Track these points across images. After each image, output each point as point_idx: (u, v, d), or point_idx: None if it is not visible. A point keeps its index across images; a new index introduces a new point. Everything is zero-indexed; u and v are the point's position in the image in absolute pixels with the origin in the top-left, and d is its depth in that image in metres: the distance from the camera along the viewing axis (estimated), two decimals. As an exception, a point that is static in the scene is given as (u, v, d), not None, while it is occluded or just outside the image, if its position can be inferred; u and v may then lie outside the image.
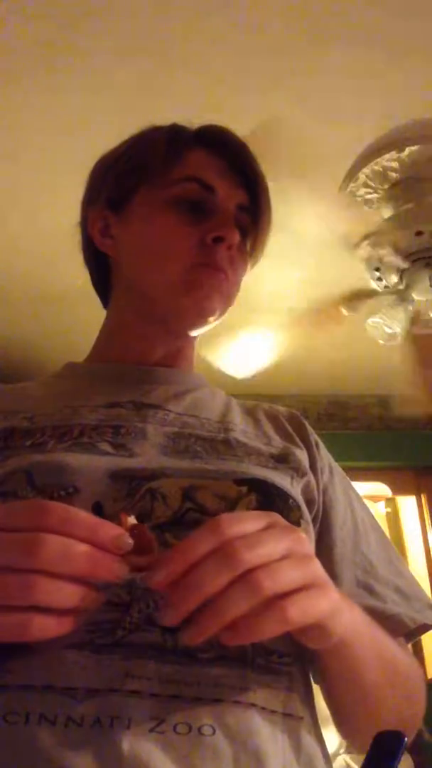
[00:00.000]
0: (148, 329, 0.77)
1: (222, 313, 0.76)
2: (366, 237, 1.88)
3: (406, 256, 1.89)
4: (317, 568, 0.46)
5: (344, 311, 2.10)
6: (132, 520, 0.45)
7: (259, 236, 0.78)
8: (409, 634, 0.66)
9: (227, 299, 0.75)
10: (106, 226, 0.78)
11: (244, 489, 0.58)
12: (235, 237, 0.72)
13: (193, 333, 0.78)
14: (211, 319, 0.74)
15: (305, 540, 0.47)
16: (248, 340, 2.16)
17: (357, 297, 2.09)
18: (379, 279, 2.00)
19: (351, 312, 2.09)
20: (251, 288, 2.16)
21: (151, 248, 0.74)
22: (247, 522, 0.44)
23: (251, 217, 0.76)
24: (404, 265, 1.90)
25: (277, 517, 0.47)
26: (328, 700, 0.61)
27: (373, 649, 0.57)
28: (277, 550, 0.43)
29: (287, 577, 0.43)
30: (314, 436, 0.76)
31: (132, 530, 0.44)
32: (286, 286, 2.30)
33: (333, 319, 2.12)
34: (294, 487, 0.65)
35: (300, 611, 0.42)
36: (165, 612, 0.42)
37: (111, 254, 0.79)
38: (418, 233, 1.81)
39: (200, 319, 0.74)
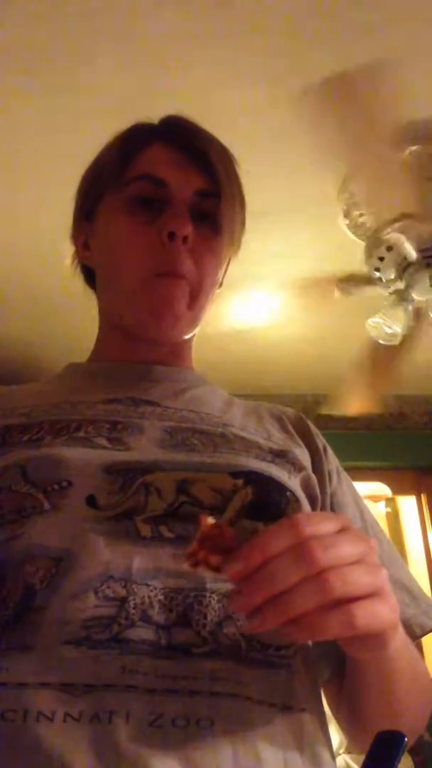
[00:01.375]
0: (126, 339, 0.77)
1: (193, 319, 0.74)
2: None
3: (403, 258, 1.90)
4: (385, 577, 0.46)
5: (337, 292, 2.08)
6: (211, 519, 0.45)
7: (224, 217, 0.73)
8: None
9: (192, 304, 0.73)
10: (86, 238, 0.79)
11: (239, 482, 0.58)
12: (186, 229, 0.69)
13: (169, 343, 0.76)
14: (178, 327, 0.73)
15: (376, 547, 0.47)
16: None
17: (352, 280, 2.07)
18: (380, 279, 2.00)
19: (344, 294, 2.07)
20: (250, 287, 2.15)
21: (110, 256, 0.74)
22: (323, 523, 0.45)
23: (216, 200, 0.72)
24: (399, 269, 1.90)
25: (349, 522, 0.47)
26: (349, 703, 0.62)
27: (408, 661, 0.58)
28: (350, 554, 0.44)
29: (357, 582, 0.43)
30: (321, 440, 0.76)
31: (213, 529, 0.44)
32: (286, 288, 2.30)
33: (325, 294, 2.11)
34: (291, 481, 0.65)
35: (366, 618, 0.43)
36: (235, 600, 0.43)
37: (90, 265, 0.80)
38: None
39: (163, 333, 0.73)
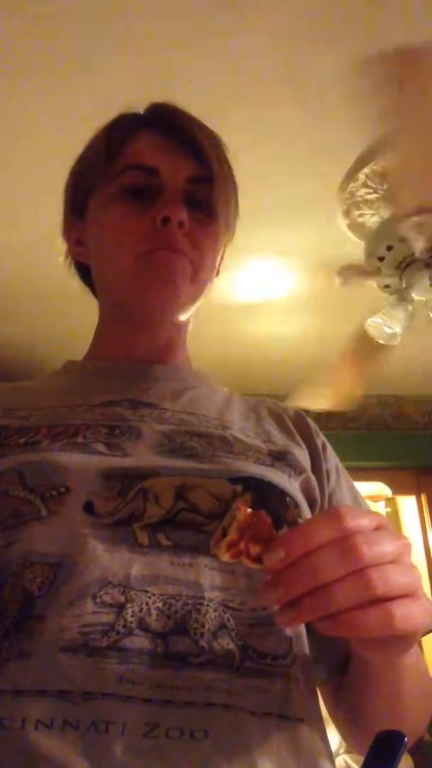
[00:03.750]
0: (125, 328, 0.76)
1: (192, 297, 0.73)
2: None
3: (403, 259, 1.89)
4: (419, 578, 0.45)
5: (338, 279, 2.06)
6: (248, 508, 0.44)
7: (218, 201, 0.71)
8: None
9: (194, 278, 0.71)
10: (79, 234, 0.78)
11: (238, 488, 0.57)
12: (180, 214, 0.68)
13: (168, 320, 0.75)
14: (179, 301, 0.71)
15: (411, 547, 0.46)
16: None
17: (353, 269, 2.05)
18: (380, 279, 2.00)
19: (345, 282, 2.05)
20: (251, 288, 2.14)
21: (104, 246, 0.73)
22: (363, 518, 0.44)
23: (209, 186, 0.71)
24: (399, 270, 1.89)
25: (385, 519, 0.46)
26: (351, 704, 0.62)
27: (415, 663, 0.57)
28: (390, 552, 0.43)
29: (397, 581, 0.42)
30: (321, 438, 0.75)
31: (251, 518, 0.43)
32: (287, 289, 2.30)
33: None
34: (292, 485, 0.64)
35: (404, 618, 0.41)
36: (270, 591, 0.41)
37: (85, 261, 0.79)
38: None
39: (164, 304, 0.71)
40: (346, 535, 0.42)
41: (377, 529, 0.44)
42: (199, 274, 0.72)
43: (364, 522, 0.43)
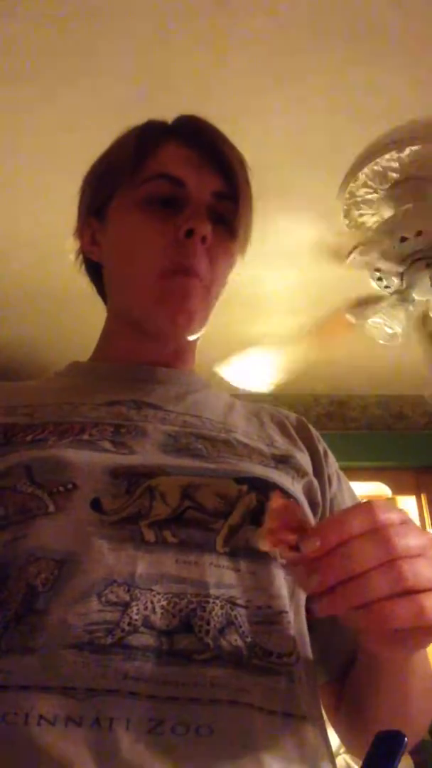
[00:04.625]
0: (134, 333, 0.76)
1: (204, 317, 0.74)
2: (360, 244, 1.87)
3: (404, 258, 1.89)
4: None
5: (351, 319, 2.08)
6: (282, 499, 0.46)
7: (241, 221, 0.73)
8: None
9: (206, 302, 0.73)
10: (93, 233, 0.79)
11: (244, 488, 0.58)
12: (206, 228, 0.69)
13: (180, 340, 0.76)
14: (193, 326, 0.72)
15: None
16: (259, 355, 2.15)
17: (362, 303, 2.07)
18: (380, 279, 2.00)
19: (358, 319, 2.07)
20: (250, 289, 2.16)
21: (124, 251, 0.73)
22: (392, 512, 0.45)
23: (232, 203, 0.73)
24: (400, 268, 1.90)
25: (408, 515, 0.48)
26: (355, 705, 0.62)
27: (423, 662, 0.58)
28: (417, 546, 0.44)
29: (424, 574, 0.43)
30: (323, 445, 0.76)
31: (284, 508, 0.45)
32: (287, 290, 2.30)
33: (340, 328, 2.11)
34: (295, 487, 0.65)
35: None
36: (309, 579, 0.43)
37: (97, 261, 0.80)
38: (419, 233, 1.81)
39: (177, 328, 0.72)
40: (378, 527, 0.43)
41: (403, 523, 0.45)
42: (211, 294, 0.73)
43: (394, 516, 0.45)
